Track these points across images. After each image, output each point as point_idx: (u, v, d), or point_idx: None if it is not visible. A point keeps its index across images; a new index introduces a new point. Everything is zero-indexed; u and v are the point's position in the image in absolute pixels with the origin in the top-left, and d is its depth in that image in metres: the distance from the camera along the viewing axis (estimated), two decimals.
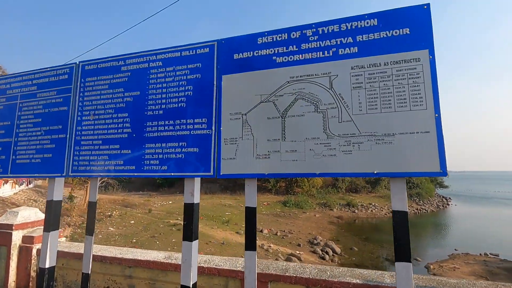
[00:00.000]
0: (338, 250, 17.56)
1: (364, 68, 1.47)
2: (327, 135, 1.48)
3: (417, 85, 1.37)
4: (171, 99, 1.83)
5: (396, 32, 1.43)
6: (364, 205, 30.68)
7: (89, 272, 1.96)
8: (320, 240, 18.91)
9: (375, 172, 1.38)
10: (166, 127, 1.81)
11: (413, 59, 1.39)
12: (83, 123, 2.03)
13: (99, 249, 2.98)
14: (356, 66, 1.48)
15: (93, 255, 2.87)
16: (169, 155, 1.77)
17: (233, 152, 1.65)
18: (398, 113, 1.39)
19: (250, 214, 1.60)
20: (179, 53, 1.86)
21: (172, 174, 1.74)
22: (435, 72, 1.35)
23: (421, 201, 33.74)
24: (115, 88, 1.98)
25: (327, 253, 16.90)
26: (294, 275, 2.13)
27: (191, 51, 1.83)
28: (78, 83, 2.10)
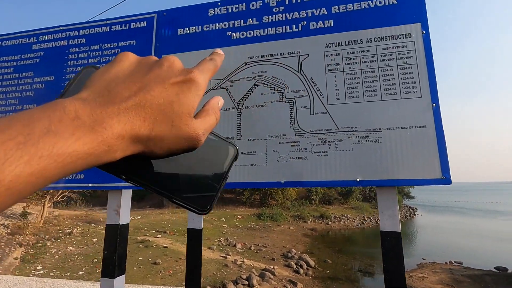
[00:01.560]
0: (312, 263, 17.27)
1: (342, 46, 1.14)
2: (295, 131, 1.12)
3: (408, 67, 1.06)
4: None
5: (380, 2, 1.13)
6: (337, 216, 31.00)
7: None
8: (295, 254, 18.56)
9: (358, 180, 1.03)
10: None
11: (403, 34, 1.09)
12: None
13: (14, 283, 2.37)
14: (332, 43, 1.15)
15: None
16: None
17: None
18: (386, 102, 1.06)
19: (194, 238, 1.18)
20: (107, 27, 1.44)
21: (90, 185, 1.28)
22: (430, 50, 1.06)
23: None
24: (22, 71, 1.50)
25: (301, 266, 16.51)
26: None
27: (123, 25, 1.42)
28: None
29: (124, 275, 1.27)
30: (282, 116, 1.15)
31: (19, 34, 1.56)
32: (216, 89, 1.24)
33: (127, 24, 1.41)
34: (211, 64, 0.35)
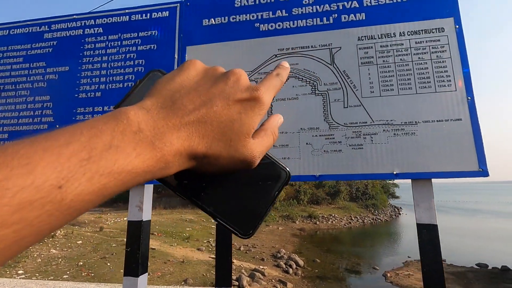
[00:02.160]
0: (301, 262, 17.39)
1: (375, 39, 1.14)
2: (329, 124, 1.11)
3: (442, 60, 1.07)
4: (114, 77, 1.33)
5: None
6: (325, 216, 31.38)
7: None
8: (284, 254, 18.63)
9: (395, 172, 1.03)
10: None
11: (436, 29, 1.10)
12: None
13: (11, 286, 2.25)
14: (365, 36, 1.15)
15: None
16: None
17: None
18: (421, 95, 1.07)
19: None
20: (127, 17, 1.38)
21: None
22: (463, 44, 1.07)
23: (376, 211, 35.53)
24: (33, 61, 1.42)
25: (290, 266, 16.59)
26: None
27: (144, 14, 1.37)
28: None
29: (147, 274, 1.22)
30: (315, 109, 1.14)
31: (29, 22, 1.48)
32: None
33: (148, 14, 1.36)
34: (278, 80, 0.33)
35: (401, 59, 1.11)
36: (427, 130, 1.04)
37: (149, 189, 1.26)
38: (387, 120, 1.07)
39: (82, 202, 0.21)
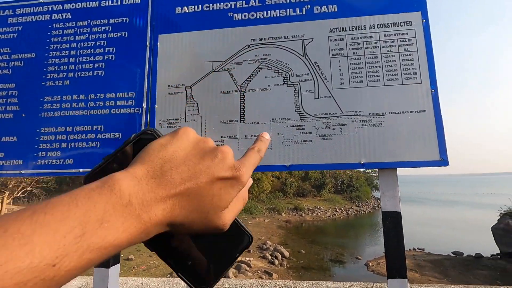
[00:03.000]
0: (286, 254, 17.70)
1: (346, 31, 1.16)
2: (300, 115, 1.13)
3: (409, 53, 1.10)
4: (84, 65, 1.29)
5: None
6: (311, 208, 31.93)
7: None
8: (270, 245, 18.89)
9: (362, 162, 1.06)
10: (75, 104, 1.26)
11: (404, 22, 1.13)
12: None
13: None
14: (336, 28, 1.16)
15: None
16: (76, 144, 1.22)
17: None
18: (388, 87, 1.10)
19: None
20: (97, 2, 1.33)
21: (81, 170, 1.20)
22: (429, 38, 1.10)
23: (360, 203, 36.43)
24: None
25: (276, 257, 16.86)
26: None
27: (115, 0, 1.32)
28: None
29: (119, 264, 1.21)
30: (287, 100, 1.15)
31: None
32: (218, 71, 1.21)
33: (119, 0, 1.32)
34: (257, 157, 0.36)
35: (370, 51, 1.13)
36: (393, 121, 1.07)
37: None
38: (355, 111, 1.10)
39: (70, 276, 0.22)
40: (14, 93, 1.30)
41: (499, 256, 11.48)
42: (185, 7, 1.27)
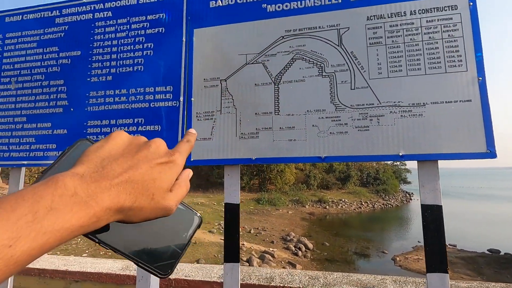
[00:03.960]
0: (310, 246, 17.69)
1: (384, 18, 1.12)
2: (335, 106, 1.12)
3: (454, 40, 1.05)
4: (124, 61, 1.35)
5: None
6: (335, 201, 31.52)
7: None
8: (293, 237, 18.96)
9: (401, 154, 1.04)
10: (117, 98, 1.33)
11: (448, 6, 1.06)
12: (1, 94, 1.48)
13: (36, 260, 2.40)
14: (374, 16, 1.13)
15: (29, 268, 2.29)
16: None
17: (209, 130, 1.23)
18: (430, 76, 1.05)
19: (232, 213, 1.19)
20: (135, 0, 1.39)
21: None
22: (477, 23, 1.04)
23: (387, 197, 35.36)
24: (46, 46, 1.46)
25: (300, 249, 16.93)
26: (282, 284, 1.76)
27: None
28: None
29: None
30: (322, 91, 1.14)
31: (41, 7, 1.50)
32: (252, 63, 1.22)
33: None
34: (188, 145, 0.41)
35: (410, 39, 1.08)
36: (435, 111, 1.03)
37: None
38: (394, 102, 1.07)
39: (27, 257, 0.25)
40: (63, 89, 1.40)
41: None
42: (219, 1, 1.29)
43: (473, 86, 1.01)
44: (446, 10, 1.06)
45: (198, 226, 0.42)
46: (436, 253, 1.00)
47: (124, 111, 1.32)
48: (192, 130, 0.45)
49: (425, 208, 1.03)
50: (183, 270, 2.09)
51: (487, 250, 13.85)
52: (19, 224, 0.24)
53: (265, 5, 1.24)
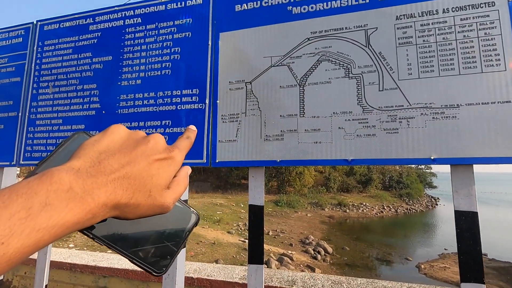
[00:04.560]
0: (330, 249, 17.37)
1: (415, 17, 1.08)
2: (363, 108, 1.09)
3: (491, 38, 0.99)
4: (153, 65, 1.40)
5: None
6: (355, 205, 30.77)
7: (46, 283, 1.52)
8: (312, 240, 18.71)
9: (432, 158, 1.00)
10: (146, 101, 1.38)
11: (485, 3, 1.01)
12: (40, 98, 1.58)
13: (68, 255, 2.53)
14: (403, 15, 1.09)
15: (61, 262, 2.42)
16: None
17: (234, 132, 1.24)
18: (465, 76, 1.01)
19: (256, 215, 1.20)
20: (163, 6, 1.44)
21: None
22: None
23: (410, 201, 34.07)
24: (81, 52, 1.54)
25: (319, 252, 16.67)
26: None
27: (179, 3, 1.41)
28: (35, 48, 1.64)
29: (184, 249, 1.32)
30: (348, 93, 1.12)
31: (76, 16, 1.59)
32: (277, 66, 1.22)
33: (183, 2, 1.40)
34: (188, 142, 0.41)
35: (443, 38, 1.04)
36: (470, 113, 0.98)
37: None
38: (425, 103, 1.03)
39: (21, 254, 0.25)
40: (96, 93, 1.47)
41: None
42: (245, 4, 1.30)
43: None
44: (482, 8, 1.02)
45: (195, 224, 0.41)
46: (472, 262, 0.95)
47: (152, 113, 1.36)
48: (192, 127, 0.44)
49: (459, 215, 0.98)
50: (205, 270, 2.12)
51: None
52: (13, 221, 0.24)
53: (290, 7, 1.24)
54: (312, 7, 1.21)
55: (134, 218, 0.34)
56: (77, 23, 1.58)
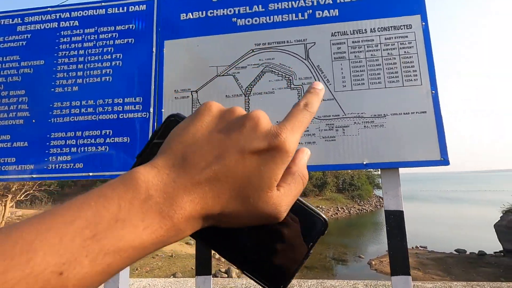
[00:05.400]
0: None
1: (347, 35, 1.19)
2: None
3: (409, 56, 1.13)
4: (92, 71, 1.32)
5: None
6: None
7: None
8: None
9: (364, 163, 1.09)
10: (84, 109, 1.29)
11: (404, 25, 1.16)
12: None
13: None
14: (338, 32, 1.19)
15: None
16: (86, 148, 1.26)
17: None
18: (390, 89, 1.13)
19: None
20: (103, 10, 1.37)
21: (91, 174, 1.23)
22: (429, 41, 1.13)
23: (362, 202, 36.38)
24: (7, 55, 1.39)
25: None
26: None
27: (121, 7, 1.36)
28: None
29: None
30: (290, 103, 1.17)
31: (1, 14, 1.44)
32: (223, 75, 1.24)
33: (125, 7, 1.35)
34: (306, 114, 0.27)
35: (371, 54, 1.16)
36: (394, 122, 1.10)
37: None
38: (358, 113, 1.13)
39: (84, 286, 0.19)
40: (25, 100, 1.34)
41: (502, 254, 11.45)
42: (190, 14, 1.30)
43: (428, 98, 1.09)
44: (402, 29, 1.15)
45: (322, 233, 0.31)
46: (399, 256, 1.05)
47: (91, 122, 1.28)
48: (317, 85, 0.30)
49: (388, 214, 1.08)
50: (155, 286, 2.02)
51: (455, 250, 14.57)
52: (75, 243, 0.19)
53: (236, 19, 1.27)
54: (256, 20, 1.26)
55: (237, 227, 0.26)
56: (2, 23, 1.43)
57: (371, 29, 1.17)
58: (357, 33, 1.18)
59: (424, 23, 1.14)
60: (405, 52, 1.14)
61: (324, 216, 0.31)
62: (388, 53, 1.15)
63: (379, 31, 1.17)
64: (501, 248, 12.05)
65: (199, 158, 0.24)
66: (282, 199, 0.25)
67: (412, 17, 1.15)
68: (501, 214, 12.63)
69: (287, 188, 0.26)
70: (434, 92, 1.10)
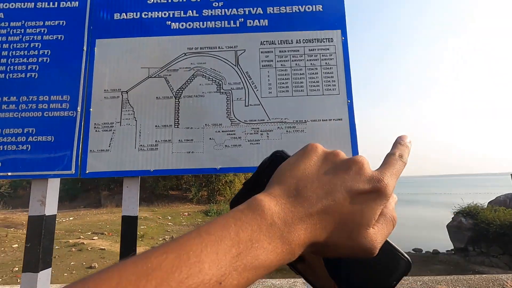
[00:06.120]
0: None
1: (275, 44, 1.25)
2: (231, 121, 1.20)
3: (329, 67, 1.22)
4: (16, 67, 1.26)
5: (308, 8, 1.27)
6: None
7: None
8: None
9: None
10: (5, 106, 1.23)
11: (326, 38, 1.24)
12: None
13: None
14: (266, 41, 1.26)
15: None
16: (6, 147, 1.20)
17: (107, 141, 1.21)
18: (311, 97, 1.21)
19: (130, 226, 1.18)
20: (32, 3, 1.32)
21: (10, 174, 1.17)
22: (347, 54, 1.23)
23: None
24: None
25: None
26: None
27: (51, 3, 1.32)
28: None
29: (50, 269, 1.20)
30: (219, 107, 1.21)
31: None
32: (155, 77, 1.25)
33: (56, 3, 1.31)
34: (401, 164, 0.32)
35: (296, 64, 1.23)
36: (314, 128, 1.18)
37: (53, 182, 1.23)
38: (281, 119, 1.19)
39: None
40: None
41: (453, 252, 12.38)
42: (124, 14, 1.30)
43: (344, 107, 1.18)
44: (324, 42, 1.24)
45: (404, 273, 0.32)
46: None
47: (12, 119, 1.22)
48: (405, 138, 0.34)
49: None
50: None
51: (412, 249, 15.50)
52: (227, 258, 0.22)
53: (170, 22, 1.29)
54: (189, 24, 1.28)
55: (330, 257, 0.29)
56: None
57: (297, 40, 1.25)
58: (284, 43, 1.25)
59: (343, 38, 1.24)
60: (326, 63, 1.22)
61: (408, 258, 0.34)
62: (311, 64, 1.23)
63: (304, 43, 1.24)
64: (452, 247, 13.00)
65: (310, 192, 0.28)
66: (377, 236, 0.29)
67: (334, 32, 1.25)
68: (452, 215, 13.62)
69: (380, 228, 0.29)
70: (350, 101, 1.19)
